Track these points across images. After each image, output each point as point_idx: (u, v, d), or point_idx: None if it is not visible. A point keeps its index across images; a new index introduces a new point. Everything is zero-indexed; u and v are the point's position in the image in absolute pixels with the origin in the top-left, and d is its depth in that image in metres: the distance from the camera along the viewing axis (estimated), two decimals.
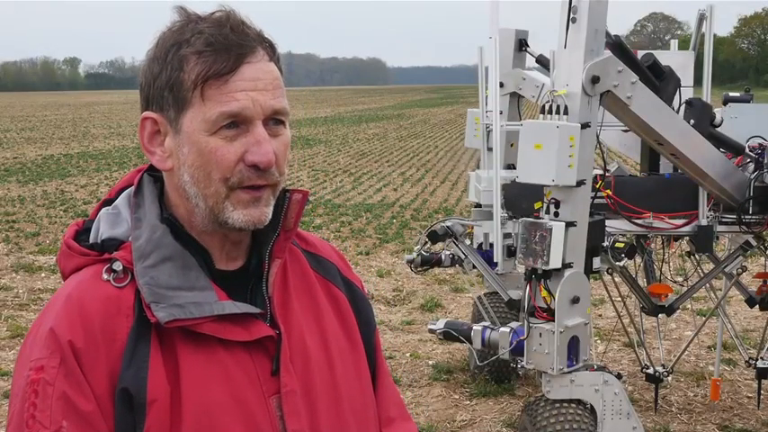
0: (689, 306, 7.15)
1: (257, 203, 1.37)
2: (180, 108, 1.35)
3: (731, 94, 5.33)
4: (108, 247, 1.39)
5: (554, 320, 3.92)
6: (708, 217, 4.73)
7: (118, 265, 1.35)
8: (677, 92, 4.73)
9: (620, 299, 5.52)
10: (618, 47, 4.30)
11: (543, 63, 5.96)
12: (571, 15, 3.89)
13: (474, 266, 5.56)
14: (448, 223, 5.49)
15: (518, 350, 4.24)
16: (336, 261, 1.63)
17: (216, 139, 1.34)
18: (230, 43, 1.33)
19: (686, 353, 6.36)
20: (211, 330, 1.35)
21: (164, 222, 1.40)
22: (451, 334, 4.99)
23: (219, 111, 1.32)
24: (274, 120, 1.38)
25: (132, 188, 1.46)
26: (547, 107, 3.94)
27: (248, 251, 1.47)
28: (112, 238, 1.40)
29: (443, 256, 5.91)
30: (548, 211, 3.93)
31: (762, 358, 5.39)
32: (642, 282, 5.67)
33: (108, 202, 1.48)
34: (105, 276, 1.35)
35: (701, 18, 5.42)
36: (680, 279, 5.50)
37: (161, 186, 1.45)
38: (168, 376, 1.32)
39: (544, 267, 3.87)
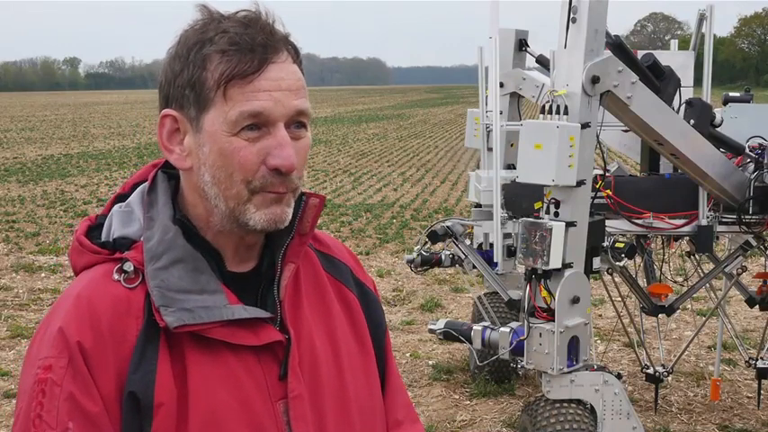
0: (689, 306, 7.16)
1: (279, 203, 1.35)
2: (201, 107, 1.33)
3: (731, 94, 5.33)
4: (120, 245, 1.37)
5: (554, 320, 3.93)
6: (708, 217, 4.73)
7: (129, 266, 1.34)
8: (677, 92, 4.73)
9: (620, 299, 5.52)
10: (618, 47, 4.30)
11: (543, 63, 5.97)
12: (571, 15, 3.89)
13: (474, 266, 5.56)
14: (448, 223, 5.49)
15: (518, 350, 4.24)
16: (349, 261, 1.61)
17: (238, 139, 1.31)
18: (255, 43, 1.31)
19: (686, 353, 6.36)
20: (220, 335, 1.33)
21: (176, 223, 1.38)
22: (451, 334, 4.99)
23: (240, 110, 1.30)
24: (297, 123, 1.36)
25: (146, 185, 1.43)
26: (547, 107, 3.94)
27: (260, 253, 1.45)
28: (124, 236, 1.38)
29: (443, 256, 5.90)
30: (548, 211, 3.94)
31: (762, 358, 5.39)
32: (642, 282, 5.68)
33: (121, 197, 1.46)
34: (116, 276, 1.33)
35: (701, 18, 5.42)
36: (680, 279, 5.51)
37: (175, 184, 1.43)
38: (176, 380, 1.31)
39: (544, 267, 3.87)
